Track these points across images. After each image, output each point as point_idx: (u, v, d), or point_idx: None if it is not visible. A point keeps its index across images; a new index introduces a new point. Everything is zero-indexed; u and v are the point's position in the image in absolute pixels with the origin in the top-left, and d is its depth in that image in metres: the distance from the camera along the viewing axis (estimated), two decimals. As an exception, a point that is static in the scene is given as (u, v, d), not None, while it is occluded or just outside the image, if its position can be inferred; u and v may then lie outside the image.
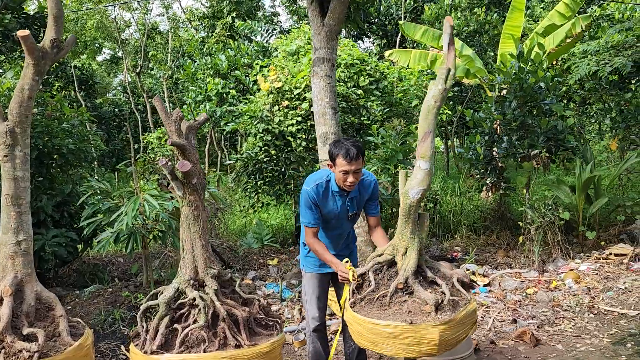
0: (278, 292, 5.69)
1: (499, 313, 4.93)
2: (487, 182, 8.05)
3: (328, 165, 3.10)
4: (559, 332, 4.49)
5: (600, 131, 8.61)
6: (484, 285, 5.75)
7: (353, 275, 2.85)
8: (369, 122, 8.34)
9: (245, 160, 8.15)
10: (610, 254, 6.52)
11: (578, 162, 7.02)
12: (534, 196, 7.33)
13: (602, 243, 6.83)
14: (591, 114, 9.69)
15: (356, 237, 3.64)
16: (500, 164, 7.79)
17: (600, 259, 6.46)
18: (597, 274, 5.94)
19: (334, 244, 3.38)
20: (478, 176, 8.22)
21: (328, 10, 5.53)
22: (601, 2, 11.86)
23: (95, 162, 11.23)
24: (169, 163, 2.57)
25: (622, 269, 6.01)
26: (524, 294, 5.43)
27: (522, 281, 5.84)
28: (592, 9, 12.78)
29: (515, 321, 4.61)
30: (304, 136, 7.97)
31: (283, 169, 8.19)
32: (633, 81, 8.01)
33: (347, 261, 2.99)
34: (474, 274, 6.23)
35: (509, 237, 8.40)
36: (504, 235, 8.47)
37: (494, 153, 7.64)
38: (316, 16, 5.61)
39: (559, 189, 7.19)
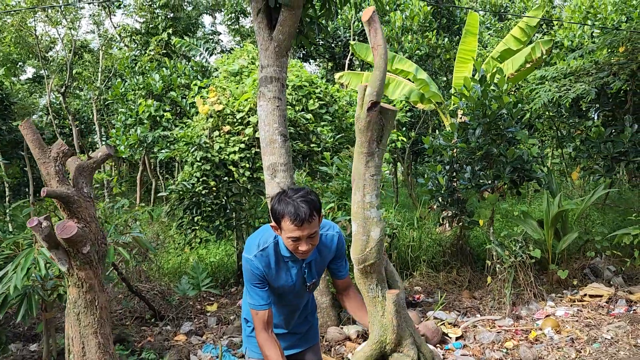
0: (217, 357, 4.72)
1: (481, 378, 4.19)
2: (448, 214, 7.45)
3: (272, 227, 2.27)
4: (555, 402, 3.79)
5: (561, 160, 8.29)
6: (457, 339, 5.03)
7: None
8: (319, 149, 7.58)
9: (181, 192, 7.15)
10: (585, 295, 5.99)
11: (546, 195, 6.53)
12: (501, 232, 6.75)
13: (575, 282, 6.31)
14: (548, 142, 9.41)
15: (316, 306, 2.79)
16: (461, 196, 7.22)
17: (575, 302, 5.92)
18: (576, 320, 5.36)
19: (288, 320, 2.55)
20: (438, 208, 7.61)
21: (277, 22, 4.75)
22: (552, 26, 11.80)
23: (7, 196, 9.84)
24: (44, 225, 1.65)
25: (602, 314, 5.47)
26: (504, 350, 4.74)
27: (498, 332, 5.17)
28: (536, 37, 12.77)
29: (503, 390, 3.88)
30: (247, 165, 7.09)
31: (224, 202, 7.25)
32: (593, 109, 7.70)
33: None
34: (442, 322, 5.50)
35: (470, 273, 7.80)
36: (465, 272, 7.88)
37: (455, 184, 7.06)
38: (263, 29, 4.81)
39: (526, 223, 6.66)
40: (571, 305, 5.78)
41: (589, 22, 10.04)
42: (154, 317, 6.53)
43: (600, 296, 5.86)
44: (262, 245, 2.29)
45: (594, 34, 10.28)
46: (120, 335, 4.67)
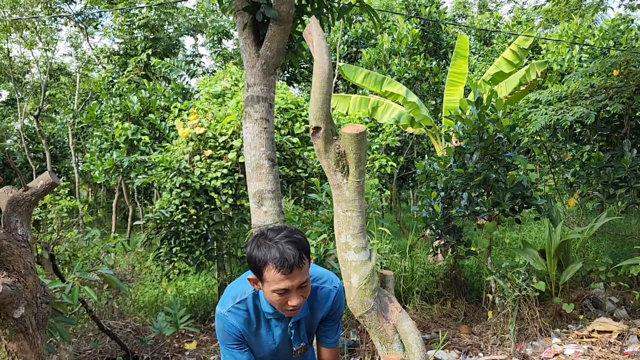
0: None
1: None
2: (443, 244, 7.07)
3: (251, 280, 1.81)
4: None
5: (555, 186, 8.03)
6: (462, 383, 4.58)
7: None
8: (306, 174, 7.18)
9: (158, 221, 6.65)
10: (593, 330, 5.61)
11: (547, 224, 6.18)
12: (501, 262, 6.37)
13: (581, 317, 5.93)
14: (543, 168, 9.15)
15: None
16: (457, 224, 6.86)
17: (583, 338, 5.53)
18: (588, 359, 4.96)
19: None
20: (431, 236, 7.23)
21: (264, 38, 4.38)
22: (539, 50, 11.72)
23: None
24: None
25: (615, 353, 5.07)
26: (515, 396, 4.29)
27: (506, 374, 4.73)
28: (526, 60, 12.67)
29: None
30: (230, 192, 6.64)
31: (204, 231, 6.76)
32: (588, 133, 7.45)
33: None
34: (444, 364, 5.06)
35: (465, 305, 7.39)
36: (460, 304, 7.47)
37: (451, 211, 6.69)
38: (250, 45, 4.43)
39: (526, 252, 6.30)
40: (580, 342, 5.38)
41: (578, 45, 9.93)
42: (127, 357, 5.97)
43: (610, 332, 5.48)
44: (240, 297, 1.85)
45: (582, 59, 10.17)
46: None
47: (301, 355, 1.97)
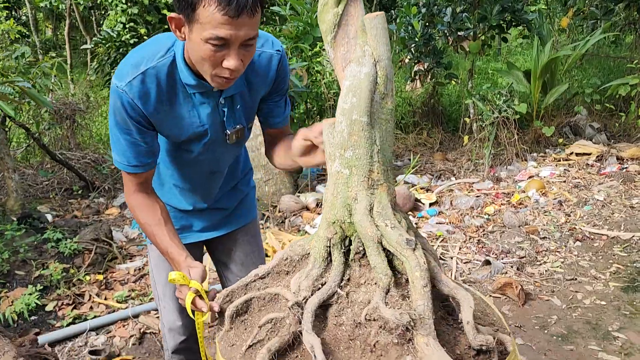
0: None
1: (460, 249, 3.59)
2: (422, 68, 6.53)
3: (173, 21, 1.23)
4: (548, 275, 3.24)
5: (548, 5, 7.28)
6: (431, 205, 4.39)
7: (212, 312, 1.23)
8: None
9: (105, 41, 5.92)
10: (571, 153, 5.38)
11: (535, 41, 5.62)
12: (482, 85, 5.92)
13: (560, 140, 5.68)
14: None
15: (252, 169, 1.86)
16: (438, 46, 6.26)
17: (560, 161, 5.32)
18: (564, 181, 4.77)
19: (206, 191, 1.64)
20: (410, 60, 6.66)
21: None
22: None
23: None
24: None
25: (591, 174, 4.89)
26: (485, 216, 4.13)
27: (477, 196, 4.54)
28: None
29: (488, 262, 3.28)
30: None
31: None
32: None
33: (197, 292, 1.28)
34: (414, 187, 4.85)
35: (442, 134, 7.12)
36: (436, 133, 7.19)
37: (432, 30, 6.04)
38: None
39: (511, 74, 5.82)
40: (556, 165, 5.18)
41: None
42: (85, 188, 5.71)
43: (589, 154, 5.26)
44: (146, 64, 1.31)
45: None
46: (26, 212, 3.82)
47: (237, 141, 1.51)
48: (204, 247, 1.81)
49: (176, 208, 1.65)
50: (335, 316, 1.05)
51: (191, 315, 1.30)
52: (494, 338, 0.96)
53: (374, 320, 0.99)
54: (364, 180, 1.06)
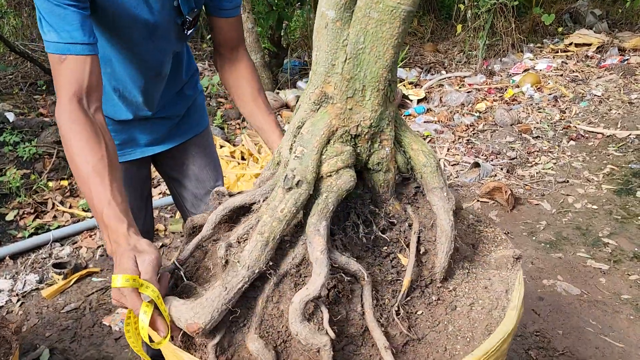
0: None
1: (449, 150, 3.39)
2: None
3: None
4: (539, 177, 3.08)
5: None
6: (419, 102, 4.13)
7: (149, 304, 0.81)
8: None
9: None
10: (571, 44, 5.04)
11: None
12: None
13: (560, 29, 5.30)
14: None
15: (198, 70, 1.59)
16: None
17: (558, 52, 4.99)
18: (561, 74, 4.49)
19: (149, 95, 1.34)
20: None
21: None
22: None
23: None
24: None
25: (591, 67, 4.59)
26: (476, 114, 3.89)
27: (468, 92, 4.27)
28: None
29: (477, 165, 3.10)
30: None
31: None
32: None
33: (134, 280, 0.80)
34: (402, 82, 4.54)
35: (434, 23, 6.67)
36: (427, 21, 6.73)
37: None
38: None
39: (511, -46, 5.26)
40: (554, 57, 4.86)
41: None
42: (52, 82, 5.32)
43: (589, 45, 4.93)
44: None
45: None
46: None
47: (190, 31, 1.23)
48: (151, 164, 1.58)
49: (115, 120, 1.38)
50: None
51: (147, 340, 0.82)
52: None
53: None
54: (313, 93, 0.82)
